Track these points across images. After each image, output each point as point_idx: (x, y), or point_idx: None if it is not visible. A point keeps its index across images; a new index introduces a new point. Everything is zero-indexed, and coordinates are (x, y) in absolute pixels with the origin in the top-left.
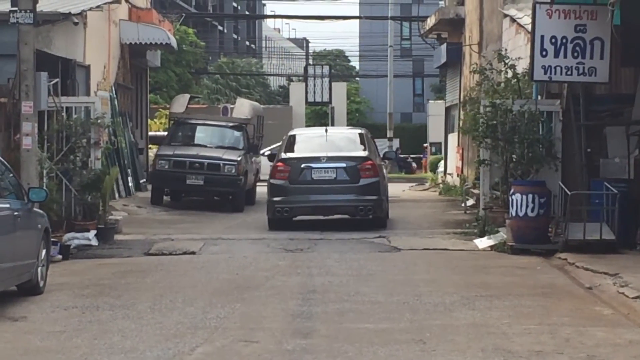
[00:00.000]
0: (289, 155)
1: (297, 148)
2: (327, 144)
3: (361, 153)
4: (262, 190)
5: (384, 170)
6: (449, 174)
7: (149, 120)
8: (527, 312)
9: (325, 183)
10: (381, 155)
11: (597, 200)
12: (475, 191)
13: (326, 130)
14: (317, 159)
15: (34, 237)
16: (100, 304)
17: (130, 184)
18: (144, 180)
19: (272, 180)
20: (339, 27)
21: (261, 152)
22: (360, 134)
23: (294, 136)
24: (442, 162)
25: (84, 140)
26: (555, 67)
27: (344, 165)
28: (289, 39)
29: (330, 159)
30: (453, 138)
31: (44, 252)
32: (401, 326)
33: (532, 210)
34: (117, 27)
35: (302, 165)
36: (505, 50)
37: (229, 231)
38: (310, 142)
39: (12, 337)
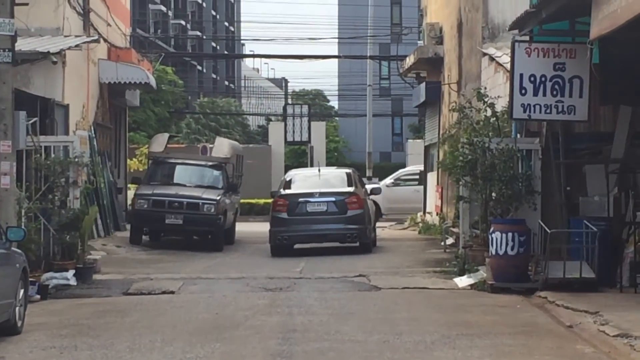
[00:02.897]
0: (288, 191)
1: (295, 186)
2: (320, 181)
3: (348, 189)
4: (240, 229)
5: (369, 204)
6: (429, 213)
7: (128, 160)
8: (508, 350)
9: (318, 215)
10: (368, 191)
11: (577, 239)
12: (455, 230)
13: (319, 170)
14: (311, 194)
15: (12, 277)
16: (78, 343)
17: (109, 224)
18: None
19: (273, 213)
20: (318, 66)
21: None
22: (347, 173)
23: (291, 176)
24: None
25: (62, 179)
26: (534, 106)
27: (333, 199)
28: (267, 78)
29: (322, 194)
30: (432, 177)
31: (22, 291)
32: None
33: (512, 249)
34: (96, 66)
35: (299, 200)
36: (485, 88)
37: (208, 270)
38: (305, 180)
39: None
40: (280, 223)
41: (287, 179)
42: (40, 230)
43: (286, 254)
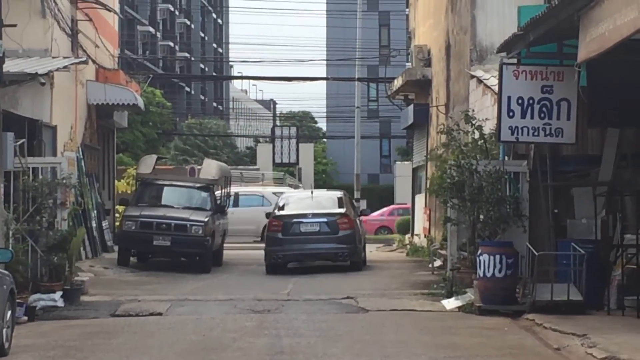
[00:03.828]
0: (282, 213)
1: (289, 207)
2: (313, 203)
3: (339, 210)
4: (228, 251)
5: (359, 225)
6: (417, 235)
7: (116, 182)
8: None
9: (311, 235)
10: (358, 213)
11: (564, 261)
12: (443, 252)
13: (312, 192)
14: (304, 215)
15: (0, 298)
16: None
17: (97, 245)
18: (111, 241)
19: (268, 233)
20: (306, 88)
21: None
22: (339, 196)
23: (286, 198)
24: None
25: (50, 200)
26: (522, 128)
27: (325, 220)
28: (256, 100)
29: (315, 215)
30: (420, 199)
31: (9, 313)
32: None
33: (500, 271)
34: (84, 87)
35: (293, 221)
36: (472, 111)
37: (196, 292)
38: (299, 202)
39: None
40: (275, 242)
41: (281, 201)
42: (27, 251)
43: (276, 272)
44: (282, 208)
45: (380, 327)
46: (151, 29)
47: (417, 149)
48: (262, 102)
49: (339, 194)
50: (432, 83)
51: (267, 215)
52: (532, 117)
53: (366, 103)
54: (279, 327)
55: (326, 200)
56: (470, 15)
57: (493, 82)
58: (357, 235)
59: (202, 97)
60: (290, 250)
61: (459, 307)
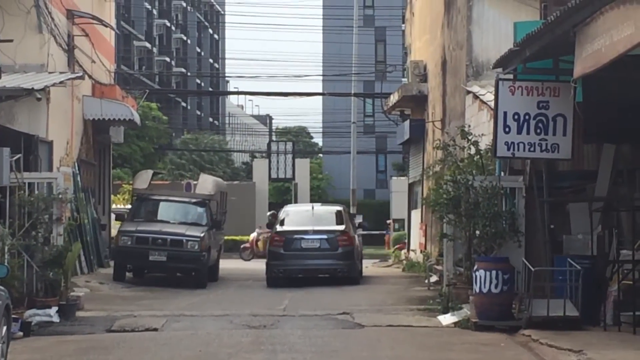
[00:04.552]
0: (284, 228)
1: (289, 222)
2: (313, 218)
3: (339, 227)
4: (224, 266)
5: (357, 239)
6: (413, 250)
7: (112, 196)
8: None
9: (311, 250)
10: (357, 225)
11: (560, 277)
12: (439, 267)
13: (312, 208)
14: (305, 232)
15: None
16: None
17: (92, 260)
18: (107, 256)
19: (270, 248)
20: (302, 103)
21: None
22: (339, 211)
23: (287, 212)
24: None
25: (46, 216)
26: (518, 144)
27: (326, 237)
28: (252, 115)
29: (316, 231)
30: (416, 214)
31: (4, 328)
32: None
33: (496, 287)
34: (81, 102)
35: (294, 237)
36: (469, 126)
37: (191, 307)
38: (299, 217)
39: None
40: (276, 257)
41: (282, 215)
42: (23, 266)
43: (276, 286)
44: (282, 223)
45: (376, 342)
46: (147, 44)
47: (413, 165)
48: (258, 118)
49: (338, 208)
50: (428, 98)
51: (268, 224)
52: (528, 133)
53: (362, 118)
54: (275, 342)
55: (326, 216)
56: (466, 31)
57: (489, 97)
58: (356, 251)
59: (198, 113)
60: (291, 265)
61: (455, 323)
